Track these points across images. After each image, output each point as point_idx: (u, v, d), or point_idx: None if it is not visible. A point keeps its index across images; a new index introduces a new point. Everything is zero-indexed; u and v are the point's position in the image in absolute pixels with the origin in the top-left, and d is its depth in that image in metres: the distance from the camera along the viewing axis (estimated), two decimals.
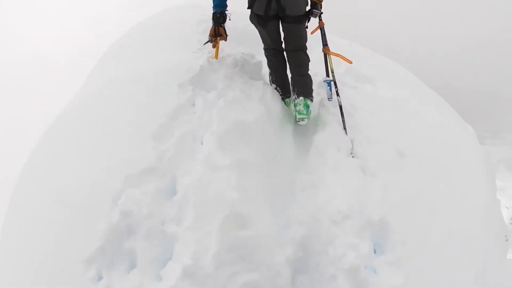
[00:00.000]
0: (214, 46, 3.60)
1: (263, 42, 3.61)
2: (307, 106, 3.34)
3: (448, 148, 3.76)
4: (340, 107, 3.37)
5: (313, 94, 3.58)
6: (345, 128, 3.30)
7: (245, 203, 2.54)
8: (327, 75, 3.53)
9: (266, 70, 4.05)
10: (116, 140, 2.94)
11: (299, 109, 3.32)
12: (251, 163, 2.87)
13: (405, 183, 3.10)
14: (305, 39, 3.39)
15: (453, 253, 2.73)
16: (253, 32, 3.78)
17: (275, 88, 3.67)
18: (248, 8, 3.35)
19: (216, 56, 3.70)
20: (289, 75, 3.63)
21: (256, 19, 3.37)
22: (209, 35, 3.50)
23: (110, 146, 2.91)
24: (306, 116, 3.31)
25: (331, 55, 3.51)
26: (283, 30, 3.39)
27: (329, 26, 3.73)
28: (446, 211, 3.01)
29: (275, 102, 3.63)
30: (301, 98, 3.34)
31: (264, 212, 2.67)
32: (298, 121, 3.36)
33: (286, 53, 3.47)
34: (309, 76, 3.50)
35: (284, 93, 3.68)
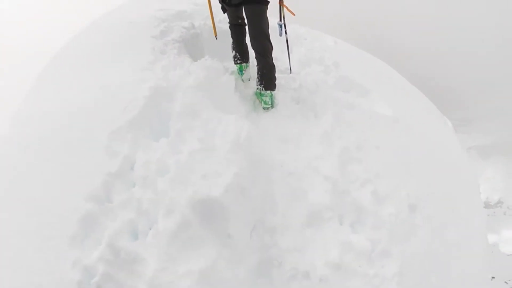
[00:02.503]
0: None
1: (228, 18, 3.94)
2: (271, 97, 3.77)
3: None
4: (287, 42, 4.27)
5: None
6: (290, 66, 4.40)
7: None
8: (280, 20, 4.03)
9: (239, 88, 3.79)
10: None
11: (266, 100, 3.74)
12: None
13: None
14: (266, 26, 3.61)
15: None
16: None
17: (234, 56, 4.10)
18: None
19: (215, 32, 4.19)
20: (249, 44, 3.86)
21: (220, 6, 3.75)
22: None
23: None
24: (270, 106, 3.75)
25: (284, 6, 3.99)
26: (245, 16, 3.64)
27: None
28: None
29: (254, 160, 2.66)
30: (268, 91, 3.74)
31: None
32: (264, 109, 3.76)
33: (251, 40, 3.69)
34: (273, 67, 3.77)
35: (242, 59, 4.11)
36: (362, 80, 4.89)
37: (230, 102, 3.34)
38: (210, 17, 4.11)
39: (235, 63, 4.16)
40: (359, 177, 2.81)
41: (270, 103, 3.70)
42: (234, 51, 4.12)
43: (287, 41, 4.27)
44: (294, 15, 4.23)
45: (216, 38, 4.20)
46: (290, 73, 4.39)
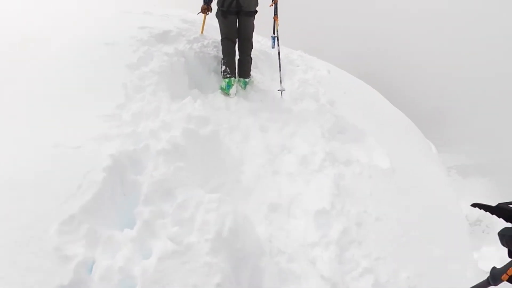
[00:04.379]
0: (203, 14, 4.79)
1: (221, 33, 4.54)
2: (245, 83, 4.56)
3: None
4: (279, 54, 4.75)
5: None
6: (281, 78, 4.69)
7: None
8: (273, 33, 4.72)
9: (226, 144, 3.15)
10: None
11: (241, 85, 4.51)
12: None
13: None
14: (253, 30, 4.60)
15: None
16: None
17: (224, 70, 4.44)
18: (217, 5, 4.42)
19: (202, 30, 4.96)
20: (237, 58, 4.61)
21: (220, 13, 4.41)
22: (200, 10, 4.74)
23: None
24: (244, 88, 4.52)
25: (277, 21, 4.71)
26: (239, 23, 4.46)
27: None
28: None
29: None
30: (242, 79, 4.55)
31: None
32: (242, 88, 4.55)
33: (239, 41, 4.55)
34: (251, 59, 4.63)
35: (231, 73, 4.46)
36: (356, 118, 4.61)
37: (213, 166, 2.85)
38: (202, 23, 4.83)
39: (224, 77, 4.42)
40: (358, 264, 2.40)
41: (244, 87, 4.50)
42: (224, 66, 4.45)
43: (278, 53, 4.72)
44: (277, 20, 4.78)
45: (201, 33, 4.91)
46: (281, 87, 4.62)
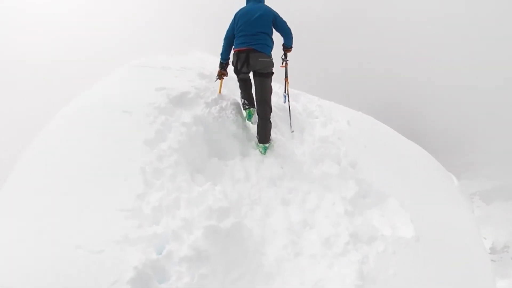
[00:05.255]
0: (220, 79, 4.91)
1: (238, 80, 4.91)
2: (265, 148, 4.47)
3: None
4: (289, 108, 5.17)
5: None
6: (291, 124, 5.05)
7: None
8: (284, 91, 5.26)
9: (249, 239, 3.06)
10: None
11: (260, 150, 4.48)
12: None
13: None
14: (270, 92, 4.60)
15: None
16: None
17: (243, 103, 4.84)
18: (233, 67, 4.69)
19: (220, 91, 4.94)
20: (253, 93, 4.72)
21: (236, 73, 4.73)
22: (217, 75, 4.89)
23: None
24: (263, 153, 4.44)
25: (287, 82, 5.21)
26: (254, 84, 4.64)
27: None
28: None
29: None
30: (261, 144, 4.48)
31: None
32: (261, 152, 4.46)
33: (256, 103, 4.60)
34: (270, 123, 4.58)
35: (250, 104, 4.77)
36: (378, 177, 4.55)
37: (234, 254, 2.72)
38: (220, 84, 4.92)
39: (244, 109, 4.81)
40: None
41: (264, 152, 4.46)
42: (243, 99, 4.82)
43: (289, 107, 5.18)
44: (288, 83, 5.33)
45: (219, 93, 4.87)
46: (292, 131, 4.99)
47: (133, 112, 3.91)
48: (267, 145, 4.46)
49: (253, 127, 4.77)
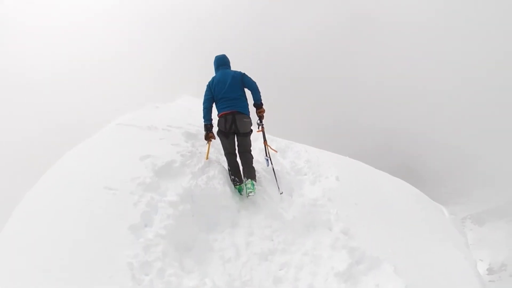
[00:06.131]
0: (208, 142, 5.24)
1: (224, 148, 5.22)
2: (253, 184, 4.80)
3: None
4: (274, 171, 5.29)
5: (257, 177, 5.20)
6: (278, 186, 5.06)
7: None
8: (266, 155, 5.48)
9: None
10: None
11: (249, 187, 4.76)
12: None
13: None
14: (250, 145, 5.22)
15: None
16: None
17: (233, 179, 4.97)
18: (218, 127, 5.15)
19: (207, 156, 5.12)
20: (241, 168, 5.09)
21: (222, 134, 5.12)
22: (205, 138, 5.23)
23: None
24: (252, 190, 4.74)
25: (267, 145, 5.53)
26: (237, 140, 5.16)
27: None
28: None
29: None
30: (249, 180, 4.83)
31: None
32: (248, 194, 4.75)
33: (239, 154, 5.16)
34: (253, 168, 5.07)
35: (240, 181, 4.94)
36: (370, 242, 4.38)
37: None
38: (207, 149, 5.17)
39: (235, 186, 4.93)
40: None
41: (252, 189, 4.74)
42: (233, 176, 4.98)
43: (273, 169, 5.30)
44: (276, 152, 6.11)
45: (206, 159, 5.04)
46: (280, 193, 4.94)
47: (117, 190, 3.79)
48: (255, 181, 4.85)
49: (241, 198, 4.74)
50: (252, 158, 5.14)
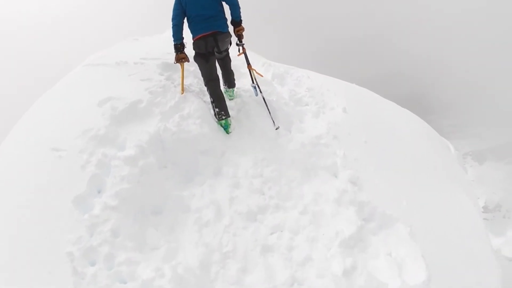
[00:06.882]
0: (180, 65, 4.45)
1: (204, 76, 4.37)
2: (233, 91, 4.73)
3: None
4: (264, 100, 4.53)
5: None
6: (273, 120, 4.33)
7: None
8: (252, 82, 4.72)
9: None
10: None
11: (230, 94, 4.71)
12: None
13: None
14: (231, 62, 4.68)
15: None
16: None
17: (219, 112, 4.16)
18: (194, 50, 4.35)
19: (182, 88, 4.28)
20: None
21: (200, 56, 4.34)
22: (175, 61, 4.41)
23: None
24: (233, 96, 4.71)
25: (252, 70, 4.76)
26: (217, 59, 4.53)
27: None
28: None
29: None
30: (231, 88, 4.71)
31: None
32: (230, 99, 4.65)
33: (218, 61, 4.55)
34: (233, 74, 4.71)
35: (226, 114, 4.20)
36: (383, 193, 3.58)
37: None
38: (181, 77, 4.34)
39: (219, 120, 4.15)
40: None
41: (232, 95, 4.67)
42: (217, 109, 4.17)
43: (263, 99, 4.50)
44: (262, 76, 5.18)
45: (182, 93, 4.20)
46: (276, 128, 4.23)
47: (64, 151, 2.99)
48: (234, 89, 4.69)
49: (226, 137, 3.90)
50: (233, 74, 4.68)
